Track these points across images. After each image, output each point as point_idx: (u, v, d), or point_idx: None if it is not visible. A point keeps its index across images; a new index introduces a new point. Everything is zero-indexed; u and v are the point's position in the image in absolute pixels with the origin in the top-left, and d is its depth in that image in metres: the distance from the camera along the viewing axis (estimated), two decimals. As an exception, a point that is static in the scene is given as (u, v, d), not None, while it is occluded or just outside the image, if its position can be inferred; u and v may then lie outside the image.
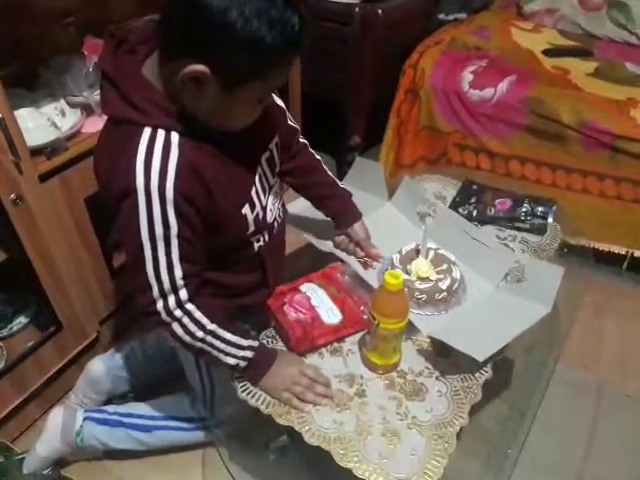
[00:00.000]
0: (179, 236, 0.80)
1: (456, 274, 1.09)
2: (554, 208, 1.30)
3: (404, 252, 1.15)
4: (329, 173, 1.18)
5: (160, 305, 0.84)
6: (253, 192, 0.93)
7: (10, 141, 1.03)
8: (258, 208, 0.94)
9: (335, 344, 1.01)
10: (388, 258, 1.16)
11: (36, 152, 1.14)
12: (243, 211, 0.91)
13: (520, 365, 1.36)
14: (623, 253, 1.76)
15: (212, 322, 0.88)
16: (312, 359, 0.98)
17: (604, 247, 1.76)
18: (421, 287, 1.06)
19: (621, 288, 1.79)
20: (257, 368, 0.93)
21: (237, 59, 0.70)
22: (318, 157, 1.17)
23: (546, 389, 1.35)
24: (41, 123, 1.18)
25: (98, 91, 1.31)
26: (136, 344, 1.35)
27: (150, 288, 0.83)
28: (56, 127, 1.21)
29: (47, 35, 1.34)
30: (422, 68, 1.86)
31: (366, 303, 1.04)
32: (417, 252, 1.13)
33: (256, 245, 0.99)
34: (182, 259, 0.82)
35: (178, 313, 0.86)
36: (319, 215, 1.21)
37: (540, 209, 1.28)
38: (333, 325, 1.01)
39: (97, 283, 1.41)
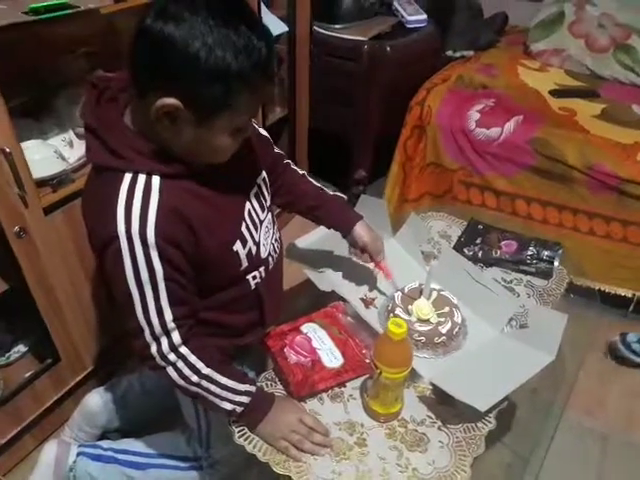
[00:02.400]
0: (166, 279, 0.79)
1: (457, 318, 1.08)
2: (560, 252, 1.29)
3: (407, 291, 1.14)
4: (315, 183, 1.14)
5: (154, 349, 0.84)
6: (244, 228, 0.92)
7: (17, 175, 1.03)
8: (250, 244, 0.93)
9: (336, 389, 0.99)
10: (390, 295, 1.15)
11: (42, 183, 1.15)
12: (234, 248, 0.90)
13: (523, 409, 1.34)
14: (629, 296, 1.74)
15: (207, 366, 0.87)
16: (312, 404, 0.96)
17: (610, 289, 1.74)
18: (421, 329, 1.05)
19: (627, 332, 1.76)
20: (254, 414, 0.91)
21: (206, 89, 0.70)
22: (302, 172, 1.15)
23: (553, 437, 1.32)
24: (48, 155, 1.19)
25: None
26: (134, 378, 1.33)
27: (142, 332, 0.82)
28: (63, 159, 1.22)
29: (59, 66, 1.35)
30: (429, 105, 1.87)
31: (368, 346, 1.03)
32: (420, 292, 1.12)
33: (252, 282, 0.97)
34: (171, 303, 0.81)
35: (172, 357, 0.85)
36: (327, 248, 1.21)
37: (546, 253, 1.27)
38: (334, 369, 0.99)
39: (97, 314, 1.40)
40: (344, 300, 1.15)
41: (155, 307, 0.80)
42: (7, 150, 0.99)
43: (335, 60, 1.91)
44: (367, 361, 1.00)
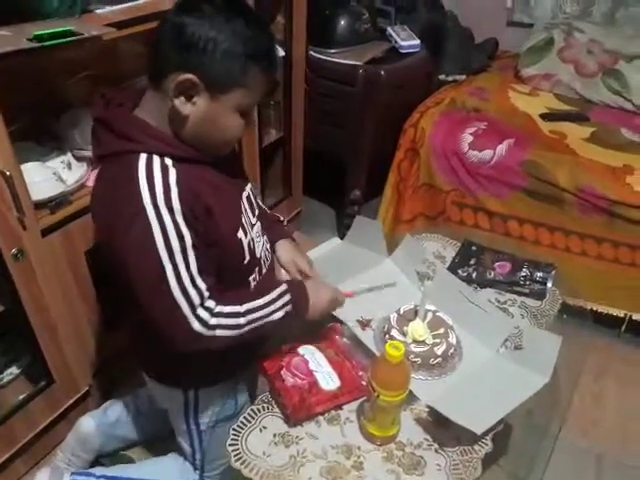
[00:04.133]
0: (193, 246, 0.82)
1: (452, 339, 1.09)
2: (553, 273, 1.30)
3: (402, 312, 1.15)
4: (262, 206, 1.17)
5: (196, 325, 0.85)
6: (243, 219, 0.96)
7: (16, 197, 1.04)
8: (249, 236, 0.97)
9: (332, 412, 0.99)
10: (386, 317, 1.16)
11: (40, 205, 1.16)
12: (238, 235, 0.93)
13: (519, 431, 1.34)
14: (621, 316, 1.75)
15: (242, 304, 0.90)
16: (309, 427, 0.96)
17: (602, 309, 1.76)
18: (416, 350, 1.05)
19: (620, 352, 1.78)
20: (301, 303, 0.97)
21: (221, 67, 0.79)
22: (265, 208, 1.19)
23: (549, 458, 1.32)
24: (47, 177, 1.20)
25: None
26: (129, 400, 1.33)
27: (179, 310, 0.83)
28: (62, 181, 1.23)
29: (59, 89, 1.37)
30: (422, 128, 1.90)
31: (365, 368, 1.03)
32: (415, 313, 1.13)
33: (252, 284, 1.00)
34: (200, 271, 0.84)
35: (214, 321, 0.86)
36: (325, 268, 1.22)
37: (539, 274, 1.29)
38: (331, 392, 0.99)
39: (92, 336, 1.40)
40: (341, 322, 1.16)
41: (188, 276, 0.82)
42: (7, 173, 1.00)
43: (330, 83, 1.94)
44: (364, 383, 1.00)
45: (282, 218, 1.18)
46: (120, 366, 1.54)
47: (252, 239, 0.99)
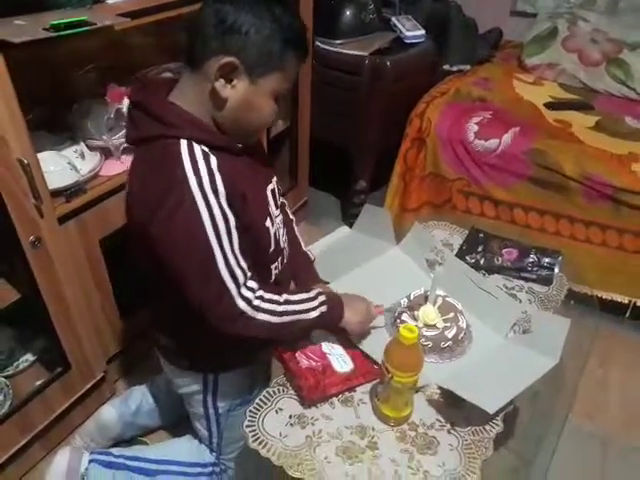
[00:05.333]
0: (236, 227, 0.85)
1: (462, 323, 1.11)
2: (560, 259, 1.32)
3: (412, 297, 1.17)
4: (297, 232, 1.21)
5: (242, 304, 0.87)
6: (270, 209, 0.99)
7: (33, 185, 1.05)
8: (275, 226, 0.99)
9: (346, 393, 1.01)
10: (396, 302, 1.18)
11: (56, 194, 1.17)
12: (266, 224, 0.96)
13: (526, 414, 1.36)
14: (626, 302, 1.77)
15: (280, 294, 0.92)
16: (323, 409, 0.98)
17: (607, 296, 1.78)
18: (427, 334, 1.07)
19: (625, 337, 1.80)
20: (336, 309, 0.99)
21: (261, 51, 0.82)
22: (292, 217, 1.21)
23: (557, 441, 1.34)
24: (62, 166, 1.21)
25: (117, 135, 1.35)
26: (146, 389, 1.35)
27: (227, 290, 0.85)
28: (76, 170, 1.24)
29: (70, 80, 1.39)
30: (428, 118, 1.91)
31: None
32: (425, 298, 1.15)
33: (274, 272, 1.03)
34: (242, 252, 0.87)
35: (257, 302, 0.89)
36: (337, 255, 1.24)
37: (546, 260, 1.31)
38: (345, 374, 1.01)
39: (106, 322, 1.42)
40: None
41: (234, 257, 0.85)
42: (25, 161, 1.02)
43: (336, 74, 1.95)
44: (376, 367, 1.02)
45: (313, 258, 1.20)
46: (133, 352, 1.57)
47: (278, 229, 1.02)
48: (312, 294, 0.97)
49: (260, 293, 0.90)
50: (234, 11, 0.80)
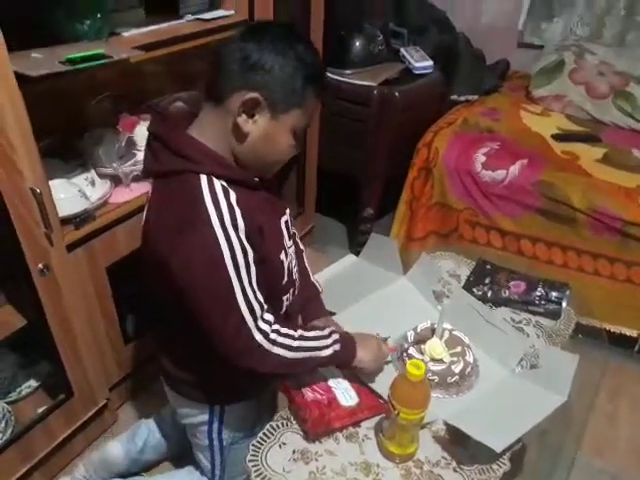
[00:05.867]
0: (254, 261, 0.87)
1: (469, 358, 1.10)
2: (568, 293, 1.31)
3: (419, 330, 1.16)
4: (306, 263, 1.21)
5: (259, 336, 0.88)
6: (284, 242, 1.00)
7: (44, 214, 1.07)
8: (289, 258, 1.01)
9: (351, 429, 1.00)
10: (403, 334, 1.17)
11: (65, 221, 1.18)
12: (281, 257, 0.97)
13: (533, 451, 1.33)
14: (634, 336, 1.75)
15: (294, 330, 0.93)
16: (327, 444, 0.97)
17: (615, 329, 1.76)
18: (434, 369, 1.06)
19: (634, 371, 1.77)
20: (349, 347, 0.99)
21: (284, 88, 0.85)
22: (302, 248, 1.22)
23: (567, 479, 1.31)
24: (72, 193, 1.22)
25: (128, 163, 1.37)
26: (153, 424, 1.34)
27: (245, 323, 0.86)
28: (86, 198, 1.25)
29: (82, 109, 1.41)
30: (436, 147, 1.93)
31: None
32: (432, 331, 1.14)
33: (285, 304, 1.03)
34: (259, 285, 0.88)
35: (274, 336, 0.90)
36: (342, 286, 1.24)
37: (554, 294, 1.30)
38: (350, 408, 1.00)
39: (111, 349, 1.42)
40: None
41: (252, 291, 0.87)
42: (37, 191, 1.03)
43: (345, 104, 1.97)
44: (381, 401, 1.01)
45: (321, 290, 1.20)
46: (136, 379, 1.56)
47: (291, 261, 1.03)
48: (326, 332, 0.98)
49: (276, 327, 0.91)
50: (258, 49, 0.83)
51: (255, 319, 0.87)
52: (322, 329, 0.99)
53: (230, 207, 0.84)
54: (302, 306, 1.14)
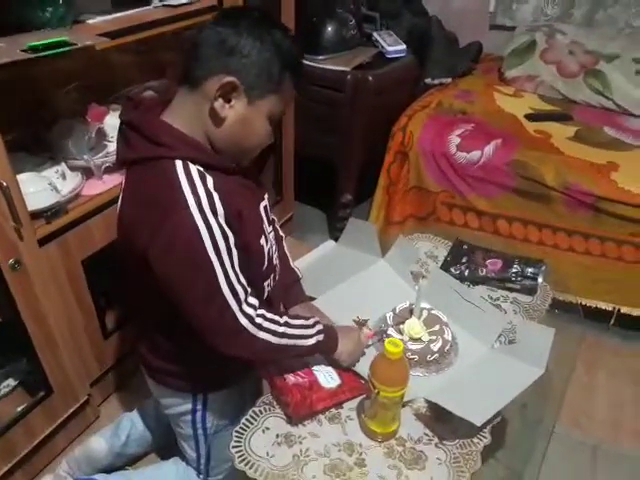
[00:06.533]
0: (235, 245, 0.86)
1: (448, 336, 1.11)
2: (544, 269, 1.33)
3: (398, 311, 1.17)
4: (286, 250, 1.21)
5: (244, 320, 0.87)
6: (264, 227, 0.99)
7: (12, 208, 1.04)
8: (269, 243, 1.00)
9: (333, 410, 1.00)
10: (382, 316, 1.18)
11: (36, 216, 1.16)
12: (261, 242, 0.96)
13: (514, 425, 1.36)
14: (610, 309, 1.79)
15: (280, 317, 0.93)
16: (311, 426, 0.97)
17: (591, 303, 1.80)
18: (413, 348, 1.08)
19: (610, 344, 1.82)
20: (332, 338, 1.00)
21: (260, 73, 0.84)
22: (282, 234, 1.21)
23: (546, 450, 1.34)
24: (42, 187, 1.19)
25: (99, 155, 1.35)
26: (136, 417, 1.33)
27: (229, 307, 0.85)
28: (57, 191, 1.23)
29: (50, 100, 1.38)
30: (410, 131, 1.93)
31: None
32: (410, 311, 1.15)
33: (267, 289, 1.03)
34: (241, 269, 0.87)
35: (259, 320, 0.89)
36: (322, 271, 1.25)
37: (530, 270, 1.31)
38: (332, 389, 1.00)
39: (90, 345, 1.40)
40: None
41: (234, 274, 0.85)
42: (4, 184, 1.01)
43: (319, 89, 1.96)
44: (363, 382, 1.02)
45: (301, 276, 1.20)
46: (117, 374, 1.54)
47: (271, 246, 1.02)
48: (310, 322, 0.98)
49: (262, 312, 0.90)
50: (236, 33, 0.82)
51: (239, 303, 0.87)
52: (307, 319, 0.99)
53: (208, 192, 0.83)
54: (283, 292, 1.14)
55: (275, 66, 0.84)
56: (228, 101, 0.85)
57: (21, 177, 1.13)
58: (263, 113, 0.88)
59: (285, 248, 1.19)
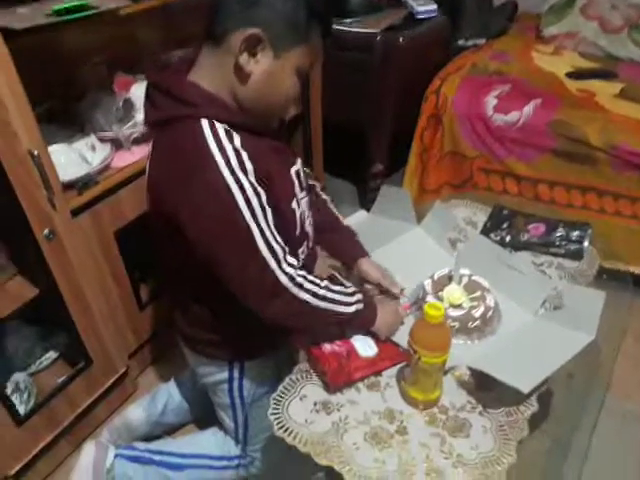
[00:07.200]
0: (268, 203, 0.83)
1: (490, 302, 1.06)
2: (589, 232, 1.27)
3: (436, 278, 1.12)
4: (334, 210, 1.18)
5: (284, 279, 0.85)
6: (296, 190, 0.96)
7: (44, 177, 1.04)
8: (301, 208, 0.97)
9: (372, 378, 0.98)
10: (419, 284, 1.14)
11: (68, 187, 1.16)
12: (292, 205, 0.93)
13: (560, 395, 1.31)
14: (659, 276, 1.71)
15: (322, 281, 0.91)
16: (349, 394, 0.95)
17: (639, 271, 1.71)
18: (454, 315, 1.03)
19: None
20: (371, 308, 0.97)
21: (287, 23, 0.79)
22: (326, 198, 1.19)
23: (595, 422, 1.29)
24: (73, 158, 1.20)
25: (127, 125, 1.34)
26: (173, 387, 1.34)
27: (268, 266, 0.83)
28: (87, 162, 1.23)
29: (78, 73, 1.37)
30: (444, 94, 1.86)
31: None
32: (449, 278, 1.11)
33: (301, 257, 1.00)
34: (276, 227, 0.85)
35: (300, 280, 0.87)
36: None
37: (575, 233, 1.25)
38: (369, 358, 0.98)
39: (126, 316, 1.41)
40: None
41: (270, 232, 0.83)
42: (35, 153, 1.00)
43: (348, 54, 1.89)
44: (401, 350, 0.99)
45: (357, 232, 1.17)
46: (155, 345, 1.56)
47: (303, 212, 0.99)
48: (350, 289, 0.96)
49: (303, 272, 0.88)
50: None
51: (279, 262, 0.84)
52: (346, 286, 0.96)
53: (236, 150, 0.80)
54: (340, 250, 1.12)
55: (301, 15, 0.80)
56: (253, 55, 0.81)
57: (52, 148, 1.13)
58: (290, 67, 0.83)
59: (333, 209, 1.17)
